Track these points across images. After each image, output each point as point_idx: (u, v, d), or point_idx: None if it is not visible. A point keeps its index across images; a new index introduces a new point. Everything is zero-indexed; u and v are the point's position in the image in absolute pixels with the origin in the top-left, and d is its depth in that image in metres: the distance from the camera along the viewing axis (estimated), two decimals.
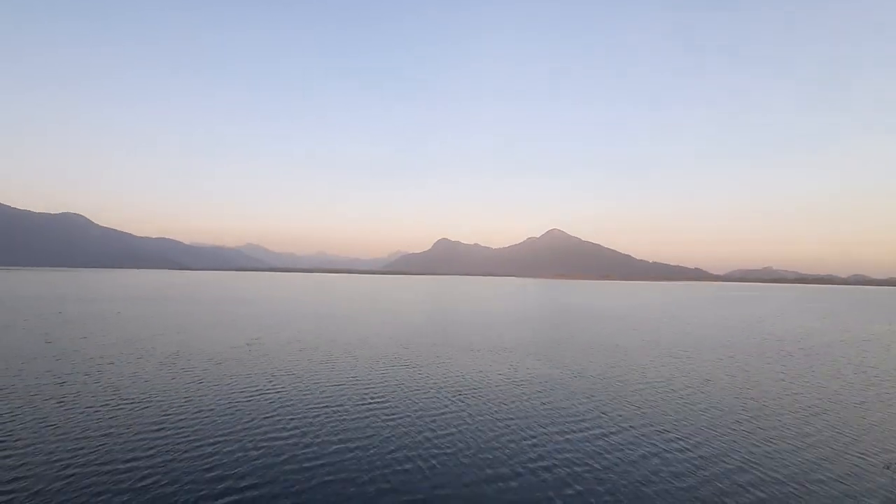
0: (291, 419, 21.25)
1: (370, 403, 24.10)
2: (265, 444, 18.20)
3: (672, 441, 19.64)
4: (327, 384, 27.99)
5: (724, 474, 16.50)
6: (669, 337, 54.96)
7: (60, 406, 22.39)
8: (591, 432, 20.46)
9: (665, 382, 30.94)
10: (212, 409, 22.40)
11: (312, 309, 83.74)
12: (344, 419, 21.43)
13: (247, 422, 20.74)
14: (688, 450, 18.72)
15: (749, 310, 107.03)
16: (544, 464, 16.92)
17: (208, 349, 38.93)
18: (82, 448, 17.31)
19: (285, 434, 19.34)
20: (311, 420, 21.22)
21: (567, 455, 17.80)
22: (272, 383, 27.89)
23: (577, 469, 16.57)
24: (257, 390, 26.24)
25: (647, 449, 18.67)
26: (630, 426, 21.48)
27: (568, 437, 19.82)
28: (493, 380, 30.44)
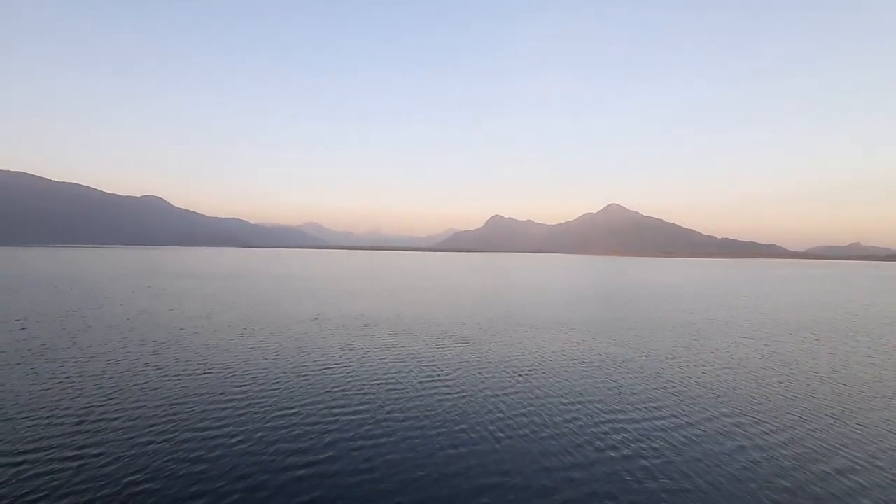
0: (360, 394, 21.96)
1: (434, 382, 24.38)
2: (334, 417, 18.94)
3: (760, 432, 18.30)
4: (393, 361, 28.68)
5: (823, 471, 15.22)
6: (743, 316, 51.53)
7: (158, 371, 24.59)
8: (666, 420, 19.50)
9: (741, 365, 29.07)
10: (288, 380, 23.66)
11: (370, 285, 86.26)
12: (409, 397, 21.80)
13: (319, 394, 21.70)
14: (780, 444, 17.25)
15: (833, 289, 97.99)
16: (618, 453, 16.24)
17: (279, 323, 41.17)
18: (180, 412, 18.90)
19: (354, 408, 20.01)
20: (378, 396, 21.80)
21: (643, 444, 17.03)
22: (340, 357, 29.00)
23: (656, 461, 15.55)
24: (326, 364, 27.39)
25: (733, 440, 17.51)
26: (709, 413, 20.32)
27: (640, 423, 19.04)
28: (555, 359, 29.92)
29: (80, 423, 17.78)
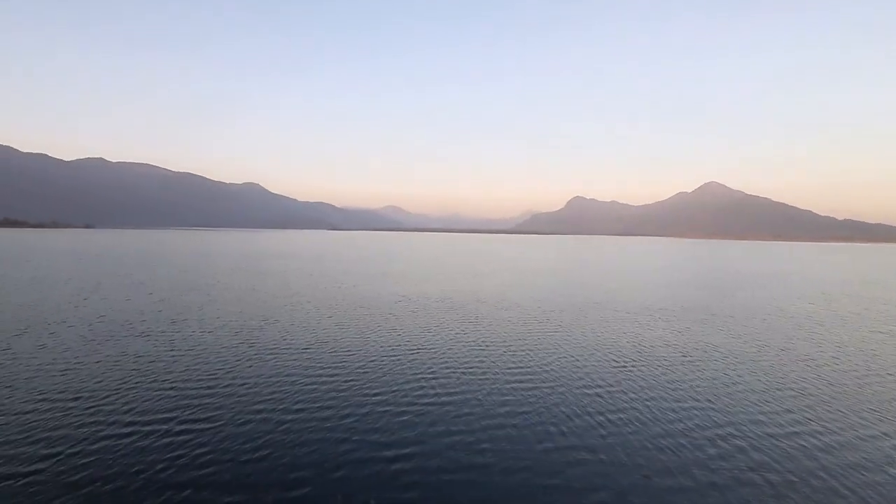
0: (448, 380, 21.68)
1: (525, 370, 23.40)
2: (426, 403, 18.81)
3: None
4: (479, 345, 28.17)
5: None
6: (879, 309, 44.20)
7: (274, 346, 26.39)
8: (794, 426, 16.98)
9: (884, 368, 24.67)
10: (382, 360, 24.11)
11: (448, 267, 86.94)
12: (500, 385, 21.00)
13: (409, 379, 21.79)
14: None
15: None
16: (745, 463, 14.35)
17: (365, 303, 42.61)
18: (299, 385, 19.99)
19: (443, 396, 19.75)
20: (467, 383, 21.33)
21: (777, 456, 14.93)
22: (427, 341, 29.04)
23: (794, 478, 13.68)
24: (414, 346, 27.52)
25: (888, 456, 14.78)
26: (852, 421, 17.35)
27: (763, 428, 16.73)
28: (654, 349, 27.52)
29: (207, 388, 19.44)
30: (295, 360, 23.98)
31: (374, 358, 24.48)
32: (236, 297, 44.95)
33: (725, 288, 61.56)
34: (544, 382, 21.08)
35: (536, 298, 47.52)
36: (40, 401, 17.73)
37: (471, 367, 23.17)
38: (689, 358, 25.92)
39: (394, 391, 19.54)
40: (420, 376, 21.56)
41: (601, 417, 17.27)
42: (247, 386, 19.88)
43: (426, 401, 18.60)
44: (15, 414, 16.54)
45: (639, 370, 23.40)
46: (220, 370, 22.08)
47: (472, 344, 28.06)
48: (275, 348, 26.20)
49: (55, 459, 13.50)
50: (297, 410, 17.38)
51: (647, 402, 18.90)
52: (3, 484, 12.21)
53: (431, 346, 27.19)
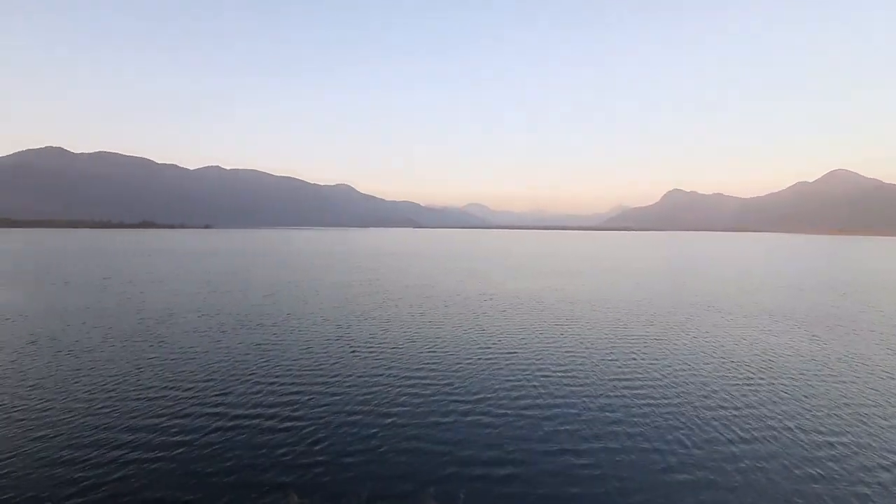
0: (548, 384, 21.12)
1: (635, 378, 22.03)
2: (525, 405, 18.46)
3: None
4: (580, 350, 27.12)
5: None
6: None
7: (373, 341, 27.80)
8: None
9: None
10: (477, 360, 24.24)
11: (535, 265, 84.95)
12: (610, 395, 19.96)
13: (506, 379, 21.57)
14: None
15: None
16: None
17: (455, 301, 43.07)
18: (412, 366, 20.83)
19: (545, 399, 19.24)
20: (570, 390, 20.62)
21: None
22: (524, 342, 28.58)
23: None
24: (510, 348, 27.23)
25: None
26: None
27: None
28: (782, 359, 24.45)
29: (315, 373, 20.91)
30: (394, 356, 24.81)
31: (468, 358, 24.49)
32: (339, 293, 47.93)
33: (861, 292, 53.21)
34: (654, 395, 19.52)
35: (634, 300, 44.72)
36: (163, 388, 20.17)
37: (570, 373, 22.22)
38: (826, 372, 22.68)
39: (491, 395, 19.34)
40: (516, 380, 21.14)
41: (730, 444, 15.17)
42: (348, 382, 20.84)
43: (524, 403, 18.19)
44: (137, 400, 18.97)
45: (768, 384, 20.88)
46: (325, 363, 23.47)
47: (569, 347, 27.04)
48: (375, 343, 27.39)
49: (178, 447, 15.27)
50: (397, 410, 17.82)
51: (786, 424, 16.71)
52: (126, 461, 14.02)
53: (526, 348, 26.65)
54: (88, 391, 19.12)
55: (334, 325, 32.12)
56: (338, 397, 18.72)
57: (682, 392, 19.68)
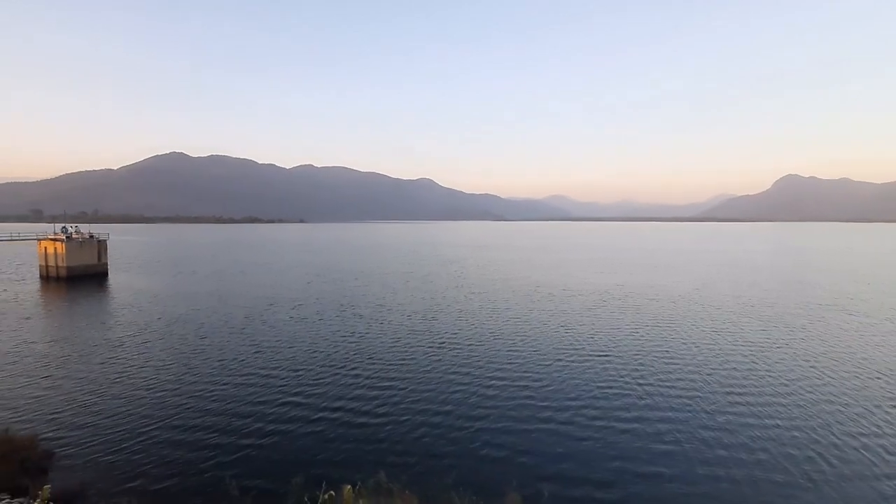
0: (659, 392, 20.12)
1: (755, 383, 20.35)
2: (624, 406, 17.75)
3: None
4: (684, 354, 25.49)
5: None
6: None
7: (471, 327, 28.42)
8: None
9: None
10: (568, 359, 23.79)
11: (622, 258, 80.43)
12: (727, 404, 18.66)
13: (603, 381, 20.89)
14: None
15: None
16: None
17: (540, 295, 42.32)
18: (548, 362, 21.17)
19: (661, 407, 18.35)
20: (680, 396, 19.49)
21: None
22: (615, 342, 27.46)
23: None
24: (601, 348, 26.30)
25: None
26: None
27: None
28: None
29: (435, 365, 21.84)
30: (481, 351, 25.06)
31: (558, 359, 24.05)
32: (426, 285, 49.40)
33: None
34: (778, 412, 17.79)
35: (747, 299, 40.77)
36: (264, 375, 22.10)
37: (672, 382, 20.85)
38: None
39: (585, 402, 18.87)
40: (612, 387, 20.37)
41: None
42: (434, 377, 21.51)
43: (621, 415, 17.43)
44: (240, 385, 20.93)
45: None
46: (414, 356, 24.30)
47: (670, 351, 25.41)
48: (461, 337, 27.84)
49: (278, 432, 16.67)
50: (484, 409, 18.07)
51: None
52: (230, 445, 15.53)
53: (620, 350, 25.48)
54: (203, 372, 21.79)
55: (423, 317, 33.18)
56: (425, 393, 19.24)
57: (814, 411, 17.68)
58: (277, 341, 26.91)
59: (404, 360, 23.51)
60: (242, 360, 23.28)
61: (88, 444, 14.82)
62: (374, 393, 19.10)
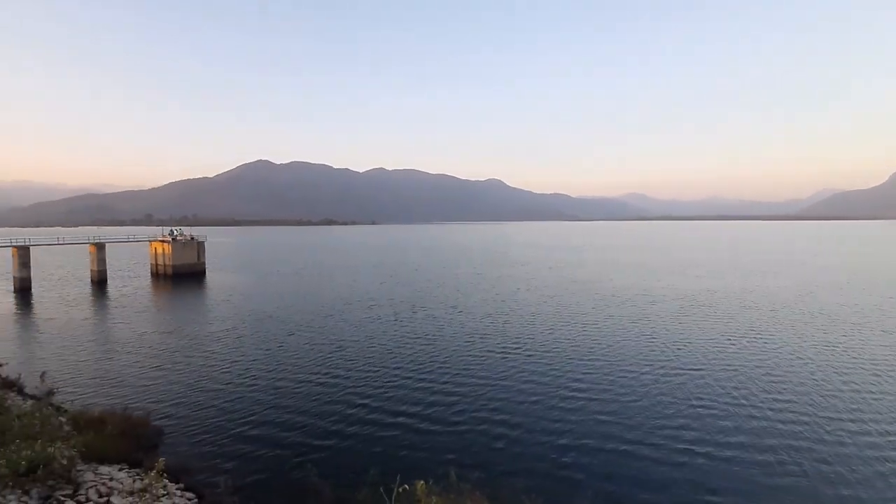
0: (770, 419, 18.42)
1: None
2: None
3: None
4: (824, 359, 23.16)
5: None
6: None
7: (548, 333, 27.99)
8: None
9: None
10: (658, 363, 22.56)
11: (707, 261, 74.38)
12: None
13: (698, 398, 19.48)
14: None
15: None
16: None
17: (619, 300, 40.37)
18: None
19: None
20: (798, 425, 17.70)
21: None
22: (724, 353, 25.52)
23: None
24: (695, 359, 24.56)
25: None
26: None
27: None
28: None
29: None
30: (559, 360, 24.38)
31: (644, 371, 22.78)
32: (500, 286, 49.16)
33: None
34: None
35: (866, 312, 36.12)
36: (345, 372, 22.93)
37: (783, 399, 19.02)
38: None
39: (679, 420, 17.69)
40: (711, 402, 18.96)
41: None
42: (508, 382, 21.25)
43: (727, 441, 16.08)
44: (323, 381, 21.82)
45: None
46: (487, 360, 24.22)
47: (776, 365, 23.13)
48: (538, 343, 27.29)
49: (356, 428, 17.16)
50: (565, 423, 17.52)
51: None
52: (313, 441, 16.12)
53: (713, 362, 23.63)
54: (290, 366, 23.24)
55: (496, 321, 32.93)
56: (498, 399, 19.02)
57: None
58: (356, 340, 28.11)
59: (479, 363, 23.48)
60: (325, 357, 24.58)
61: (191, 426, 16.46)
62: (448, 395, 19.32)
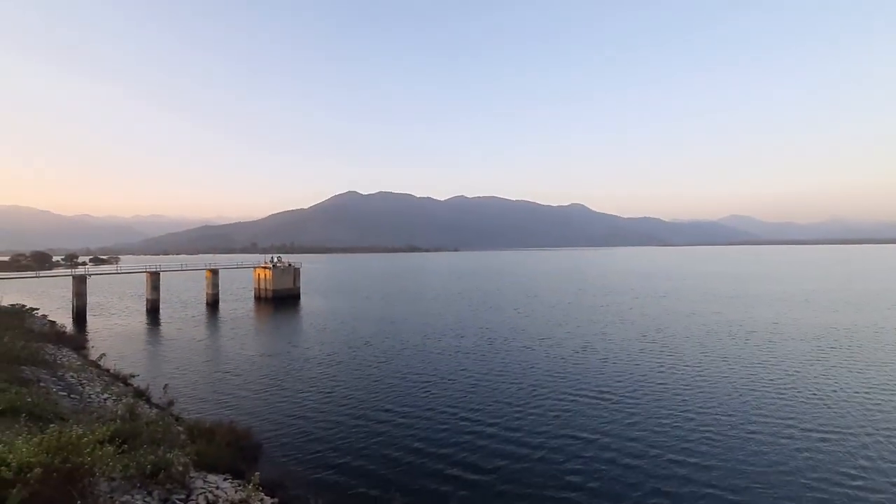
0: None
1: None
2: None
3: None
4: None
5: None
6: None
7: (649, 370, 26.22)
8: None
9: None
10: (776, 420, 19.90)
11: (833, 292, 64.67)
12: None
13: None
14: None
15: None
16: None
17: (736, 334, 36.55)
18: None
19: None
20: None
21: None
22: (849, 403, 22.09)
23: None
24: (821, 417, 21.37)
25: None
26: None
27: None
28: None
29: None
30: (661, 400, 22.58)
31: (770, 428, 20.30)
32: (591, 316, 47.15)
33: None
34: None
35: None
36: (432, 399, 22.74)
37: None
38: None
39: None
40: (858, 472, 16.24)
41: None
42: (607, 422, 19.95)
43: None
44: (412, 406, 21.72)
45: None
46: (586, 395, 23.16)
47: None
48: (638, 380, 25.61)
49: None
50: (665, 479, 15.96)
51: None
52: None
53: (858, 420, 20.36)
54: (382, 390, 23.83)
55: (587, 355, 31.43)
56: (592, 441, 18.15)
57: None
58: (445, 369, 28.26)
59: (573, 401, 22.33)
60: (418, 388, 24.70)
61: (287, 443, 17.55)
62: (534, 428, 18.74)
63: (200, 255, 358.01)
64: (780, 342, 33.32)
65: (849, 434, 17.55)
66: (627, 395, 22.38)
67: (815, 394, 22.04)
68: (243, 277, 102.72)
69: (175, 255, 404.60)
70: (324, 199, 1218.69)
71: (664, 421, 18.90)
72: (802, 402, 21.05)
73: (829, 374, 25.32)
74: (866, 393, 22.11)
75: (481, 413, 20.36)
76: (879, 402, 20.91)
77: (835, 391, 22.39)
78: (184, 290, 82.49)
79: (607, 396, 22.11)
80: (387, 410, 20.91)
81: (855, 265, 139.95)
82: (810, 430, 17.90)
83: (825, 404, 20.68)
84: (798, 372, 25.70)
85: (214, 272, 63.62)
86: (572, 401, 21.69)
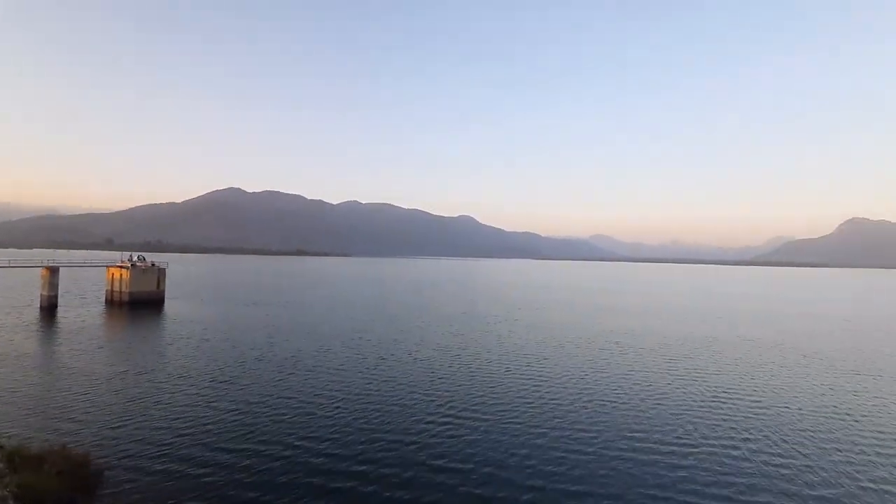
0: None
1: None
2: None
3: None
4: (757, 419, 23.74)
5: None
6: None
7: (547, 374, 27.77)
8: None
9: None
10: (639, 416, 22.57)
11: (672, 304, 76.91)
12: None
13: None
14: None
15: None
16: None
17: (584, 341, 40.88)
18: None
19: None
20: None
21: None
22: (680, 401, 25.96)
23: None
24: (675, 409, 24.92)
25: None
26: None
27: None
28: None
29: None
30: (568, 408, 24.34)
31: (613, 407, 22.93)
32: (477, 324, 49.09)
33: None
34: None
35: (824, 355, 37.78)
36: (300, 404, 22.16)
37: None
38: None
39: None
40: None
41: None
42: (512, 423, 21.00)
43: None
44: (277, 415, 21.02)
45: None
46: (488, 397, 24.07)
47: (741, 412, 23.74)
48: (533, 382, 27.21)
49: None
50: (549, 470, 17.40)
51: None
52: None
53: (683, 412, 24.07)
54: (242, 401, 22.28)
55: (490, 360, 32.74)
56: (497, 440, 18.99)
57: None
58: (315, 374, 27.29)
59: (475, 404, 23.08)
60: (294, 403, 23.02)
61: (134, 467, 15.34)
62: (456, 444, 18.87)
63: (38, 251, 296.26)
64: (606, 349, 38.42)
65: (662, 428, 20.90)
66: (484, 408, 24.03)
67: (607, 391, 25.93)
68: (94, 277, 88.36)
69: (3, 249, 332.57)
70: (202, 194, 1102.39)
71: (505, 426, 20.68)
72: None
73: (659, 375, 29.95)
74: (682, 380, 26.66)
75: (339, 437, 19.39)
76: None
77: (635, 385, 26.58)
78: (11, 288, 68.17)
79: (474, 412, 23.45)
80: (240, 425, 19.27)
81: (696, 282, 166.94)
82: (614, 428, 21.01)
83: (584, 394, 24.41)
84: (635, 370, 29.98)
85: (53, 270, 53.64)
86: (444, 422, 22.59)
